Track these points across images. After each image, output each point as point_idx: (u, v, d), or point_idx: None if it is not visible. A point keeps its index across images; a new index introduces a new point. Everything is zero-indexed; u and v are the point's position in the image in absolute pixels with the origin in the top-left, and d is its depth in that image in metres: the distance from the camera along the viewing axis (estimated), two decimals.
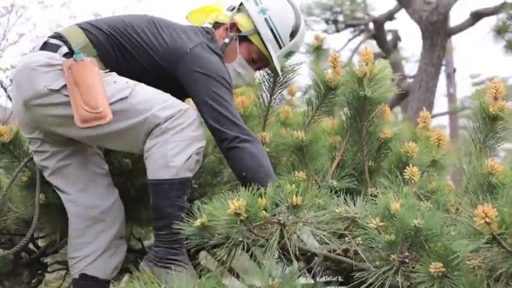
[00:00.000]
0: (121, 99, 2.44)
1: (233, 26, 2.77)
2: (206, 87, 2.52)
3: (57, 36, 2.58)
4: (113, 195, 2.71)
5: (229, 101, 2.54)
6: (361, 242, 2.06)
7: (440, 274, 1.76)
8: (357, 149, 2.79)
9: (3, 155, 2.89)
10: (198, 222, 2.02)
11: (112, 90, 2.44)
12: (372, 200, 2.16)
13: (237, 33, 2.77)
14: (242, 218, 1.90)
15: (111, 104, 2.41)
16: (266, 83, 3.06)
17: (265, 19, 2.74)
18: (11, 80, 6.36)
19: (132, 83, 2.51)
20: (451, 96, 18.37)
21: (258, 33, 2.75)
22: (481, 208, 1.62)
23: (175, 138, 2.42)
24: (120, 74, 2.56)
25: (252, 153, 2.47)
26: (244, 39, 2.77)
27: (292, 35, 2.79)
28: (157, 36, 2.62)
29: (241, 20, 2.77)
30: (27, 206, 2.89)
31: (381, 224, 1.99)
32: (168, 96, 2.52)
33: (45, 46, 2.55)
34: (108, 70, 2.54)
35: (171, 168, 2.40)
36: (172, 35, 2.63)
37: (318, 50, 4.08)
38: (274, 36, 2.74)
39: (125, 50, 2.58)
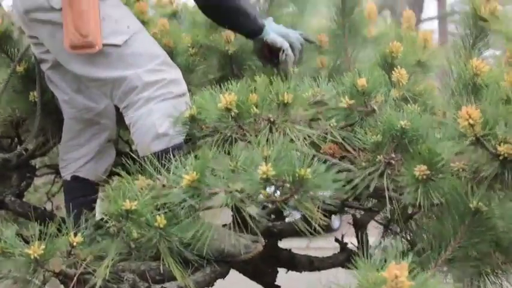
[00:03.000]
0: (114, 45, 2.35)
1: None
2: None
3: None
4: (106, 98, 2.66)
5: None
6: (335, 124, 2.08)
7: (424, 177, 1.77)
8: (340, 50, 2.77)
9: None
10: (187, 114, 2.02)
11: (109, 30, 2.35)
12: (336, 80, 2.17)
13: None
14: (233, 113, 1.90)
15: (103, 44, 2.32)
16: None
17: None
18: None
19: (132, 28, 2.43)
20: (440, 0, 18.15)
21: None
22: (464, 109, 1.61)
23: (160, 106, 2.32)
24: None
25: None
26: None
27: None
28: None
29: None
30: (16, 103, 2.85)
31: (351, 102, 2.02)
32: (162, 54, 2.46)
33: None
34: None
35: (163, 137, 2.31)
36: None
37: None
38: None
39: None
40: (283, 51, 2.66)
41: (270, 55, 2.71)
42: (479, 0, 2.36)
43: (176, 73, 2.45)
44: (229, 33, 2.85)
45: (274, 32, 2.65)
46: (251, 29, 2.62)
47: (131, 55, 2.37)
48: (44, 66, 2.65)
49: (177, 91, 2.39)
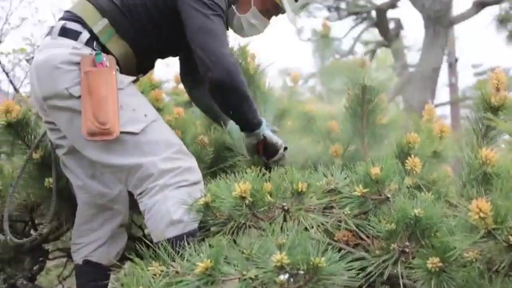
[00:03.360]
0: (131, 133, 2.40)
1: None
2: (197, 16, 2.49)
3: (74, 18, 2.54)
4: (120, 184, 2.68)
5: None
6: (349, 212, 2.08)
7: (437, 269, 1.76)
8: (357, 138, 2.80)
9: (7, 136, 2.86)
10: (202, 201, 2.03)
11: (126, 118, 2.40)
12: (350, 168, 2.19)
13: None
14: (247, 201, 1.91)
15: (120, 132, 2.37)
16: None
17: None
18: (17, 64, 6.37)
19: (150, 117, 2.47)
20: (452, 86, 18.32)
21: None
22: (475, 203, 1.62)
23: (174, 193, 2.35)
24: (140, 40, 2.57)
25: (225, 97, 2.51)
26: None
27: None
28: None
29: None
30: (32, 189, 2.87)
31: (365, 190, 2.03)
32: (177, 143, 2.49)
33: (65, 32, 2.51)
34: (132, 79, 2.56)
35: (177, 223, 2.33)
36: None
37: (324, 38, 4.07)
38: None
39: (135, 10, 2.55)
40: (279, 148, 2.70)
41: (263, 151, 2.73)
42: (489, 89, 2.39)
43: (191, 161, 2.48)
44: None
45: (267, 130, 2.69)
46: (252, 121, 2.62)
47: (148, 143, 2.41)
48: (60, 152, 2.68)
49: (192, 179, 2.41)
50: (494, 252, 1.73)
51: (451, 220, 1.96)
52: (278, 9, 2.77)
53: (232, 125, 2.84)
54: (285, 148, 2.75)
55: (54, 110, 2.48)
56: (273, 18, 2.84)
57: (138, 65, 2.67)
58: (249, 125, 2.63)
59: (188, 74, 3.05)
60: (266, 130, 2.67)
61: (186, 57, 2.93)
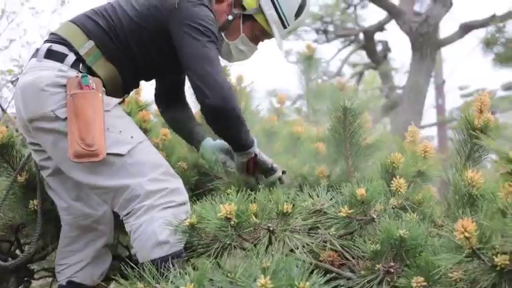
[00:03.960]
0: (118, 154, 2.40)
1: (237, 2, 2.73)
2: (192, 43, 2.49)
3: (60, 40, 2.53)
4: (105, 204, 2.66)
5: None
6: (334, 232, 2.09)
7: None
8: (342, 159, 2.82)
9: None
10: (187, 222, 2.03)
11: (113, 140, 2.40)
12: (336, 189, 2.20)
13: (241, 11, 2.73)
14: (232, 222, 1.91)
15: (107, 154, 2.36)
16: None
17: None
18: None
19: (136, 138, 2.48)
20: (439, 108, 18.47)
21: (263, 13, 2.71)
22: (460, 222, 1.63)
23: (161, 214, 2.34)
24: (127, 63, 2.57)
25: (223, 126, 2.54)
26: (248, 17, 2.73)
27: (298, 14, 2.76)
28: (144, 1, 2.59)
29: None
30: (17, 210, 2.85)
31: (350, 211, 2.04)
32: (164, 164, 2.50)
33: (50, 54, 2.50)
34: (119, 101, 2.57)
35: (163, 244, 2.32)
36: None
37: (309, 60, 4.10)
38: (280, 17, 2.71)
39: (122, 34, 2.55)
40: (271, 166, 2.73)
41: (254, 170, 2.74)
42: (473, 112, 2.41)
43: (178, 182, 2.48)
44: None
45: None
46: (245, 142, 2.63)
47: (134, 164, 2.41)
48: (45, 173, 2.67)
49: (179, 200, 2.41)
50: (478, 272, 1.73)
51: (435, 241, 1.97)
52: (266, 35, 2.79)
53: (203, 147, 2.87)
54: (284, 172, 2.78)
55: (39, 131, 2.47)
56: (260, 43, 2.86)
57: (124, 87, 2.67)
58: (242, 145, 2.65)
59: (164, 95, 3.05)
60: (257, 148, 2.69)
61: (164, 79, 2.95)
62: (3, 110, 6.15)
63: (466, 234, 1.63)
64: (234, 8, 2.73)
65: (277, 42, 2.77)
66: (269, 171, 2.75)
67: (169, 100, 2.99)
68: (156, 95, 3.09)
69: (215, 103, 2.44)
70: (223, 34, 2.74)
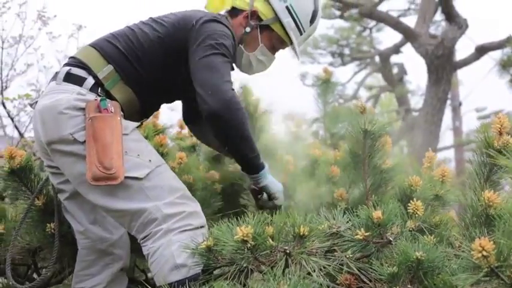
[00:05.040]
0: (136, 178, 2.40)
1: (253, 14, 2.79)
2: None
3: (79, 64, 2.57)
4: (122, 228, 2.67)
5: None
6: (351, 255, 2.08)
7: None
8: (360, 182, 2.81)
9: (11, 182, 2.84)
10: (204, 245, 2.04)
11: (131, 163, 2.41)
12: (351, 212, 2.20)
13: (258, 22, 2.80)
14: (249, 245, 1.91)
15: (125, 177, 2.37)
16: None
17: (287, 7, 2.77)
18: (22, 110, 6.44)
19: (154, 162, 2.48)
20: (456, 130, 18.41)
21: (279, 21, 2.78)
22: (478, 241, 1.62)
23: (178, 238, 2.34)
24: (146, 87, 2.60)
25: (225, 133, 2.51)
26: (265, 27, 2.80)
27: (312, 20, 2.84)
28: (163, 23, 2.64)
29: (261, 7, 2.80)
30: (34, 234, 2.86)
31: (367, 233, 2.04)
32: (181, 188, 2.50)
33: (69, 77, 2.53)
34: (137, 125, 2.58)
35: (181, 267, 2.31)
36: (177, 15, 2.67)
37: (326, 83, 4.11)
38: (296, 24, 2.79)
39: (144, 57, 2.59)
40: (273, 196, 2.73)
41: (258, 193, 2.76)
42: (493, 133, 2.40)
43: (195, 206, 2.48)
44: None
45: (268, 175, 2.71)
46: (251, 162, 2.63)
47: (152, 188, 2.42)
48: (62, 196, 2.69)
49: (196, 223, 2.41)
50: None
51: (453, 263, 1.96)
52: (282, 44, 2.86)
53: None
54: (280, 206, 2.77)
55: (57, 154, 2.49)
56: (278, 52, 2.93)
57: (142, 110, 2.69)
58: (249, 166, 2.65)
59: (190, 110, 3.11)
60: (268, 179, 2.69)
61: (188, 96, 2.96)
62: (20, 134, 6.22)
63: (484, 253, 1.62)
64: (251, 20, 2.79)
65: (296, 48, 2.84)
66: (271, 197, 2.75)
67: (196, 114, 2.97)
68: (183, 112, 3.16)
69: (214, 108, 2.42)
70: (242, 47, 2.80)
